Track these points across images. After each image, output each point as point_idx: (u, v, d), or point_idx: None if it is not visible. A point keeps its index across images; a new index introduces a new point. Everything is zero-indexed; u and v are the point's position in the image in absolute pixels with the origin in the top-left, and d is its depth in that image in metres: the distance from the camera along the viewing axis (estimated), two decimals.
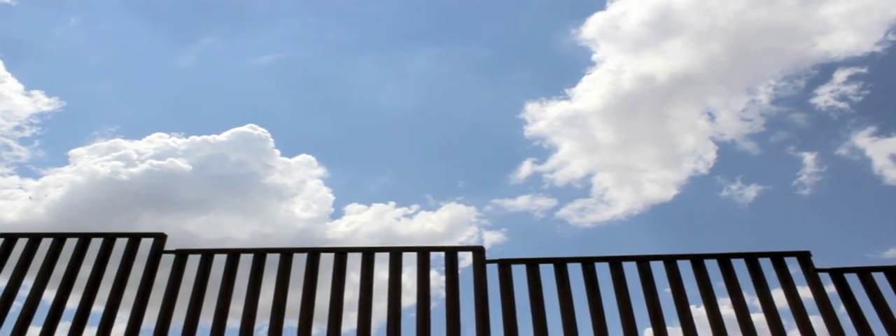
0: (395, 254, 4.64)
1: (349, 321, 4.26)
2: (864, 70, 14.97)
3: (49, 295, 4.38)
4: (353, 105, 17.25)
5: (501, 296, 4.39)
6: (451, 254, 4.63)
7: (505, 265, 4.56)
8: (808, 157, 14.60)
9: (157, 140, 13.98)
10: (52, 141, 15.71)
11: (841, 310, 4.17)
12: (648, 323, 4.17)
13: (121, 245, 4.67)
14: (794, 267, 4.38)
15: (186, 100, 16.91)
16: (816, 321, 4.10)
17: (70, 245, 4.67)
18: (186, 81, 17.00)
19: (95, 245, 4.65)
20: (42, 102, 15.42)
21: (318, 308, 4.33)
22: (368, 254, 4.64)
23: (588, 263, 4.53)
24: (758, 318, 4.14)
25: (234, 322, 4.26)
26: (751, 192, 14.50)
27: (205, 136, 14.17)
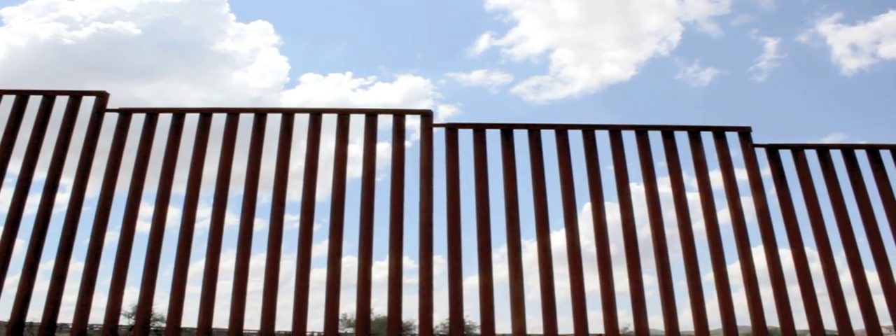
0: (343, 116, 4.61)
1: (296, 190, 4.36)
2: None
3: None
4: None
5: (446, 160, 4.47)
6: (399, 117, 4.62)
7: (452, 129, 4.58)
8: (770, 43, 14.04)
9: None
10: None
11: (771, 192, 4.33)
12: (588, 198, 4.32)
13: (61, 105, 4.54)
14: (735, 149, 4.45)
15: None
16: (747, 202, 4.28)
17: (7, 105, 4.54)
18: None
19: (35, 105, 4.53)
20: None
21: (264, 177, 4.39)
22: (316, 115, 4.61)
23: (534, 131, 4.57)
24: (693, 197, 4.29)
25: (179, 188, 4.32)
26: (706, 75, 14.16)
27: None
